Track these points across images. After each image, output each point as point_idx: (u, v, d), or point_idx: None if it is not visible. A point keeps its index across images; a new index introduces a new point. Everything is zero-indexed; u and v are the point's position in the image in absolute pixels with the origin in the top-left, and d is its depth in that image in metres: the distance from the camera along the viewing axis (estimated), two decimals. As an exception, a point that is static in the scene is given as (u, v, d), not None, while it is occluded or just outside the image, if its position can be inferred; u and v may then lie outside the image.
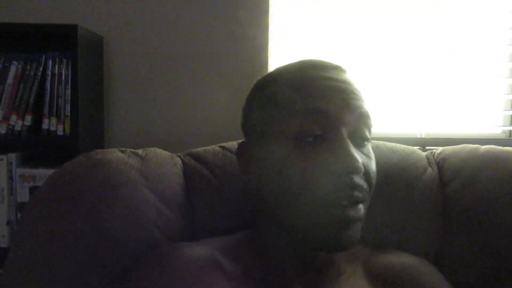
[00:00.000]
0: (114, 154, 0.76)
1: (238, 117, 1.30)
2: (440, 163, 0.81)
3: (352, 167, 0.51)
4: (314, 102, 0.55)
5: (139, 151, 0.79)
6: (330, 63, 0.62)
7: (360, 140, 0.56)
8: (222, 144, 0.85)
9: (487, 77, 1.41)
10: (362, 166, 0.53)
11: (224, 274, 0.58)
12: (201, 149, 0.84)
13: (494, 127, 1.43)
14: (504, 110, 1.43)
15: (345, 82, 0.58)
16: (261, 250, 0.62)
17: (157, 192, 0.73)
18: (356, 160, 0.51)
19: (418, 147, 0.86)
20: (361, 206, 0.54)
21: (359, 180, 0.53)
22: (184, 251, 0.61)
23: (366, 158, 0.56)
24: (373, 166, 0.57)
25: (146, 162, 0.76)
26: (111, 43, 1.24)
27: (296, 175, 0.53)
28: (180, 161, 0.80)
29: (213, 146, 0.85)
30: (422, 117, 1.37)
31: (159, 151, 0.81)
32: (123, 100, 1.26)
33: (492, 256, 0.69)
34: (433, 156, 0.84)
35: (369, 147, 0.58)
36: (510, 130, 1.44)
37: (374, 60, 1.37)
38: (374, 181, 0.57)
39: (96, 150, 0.78)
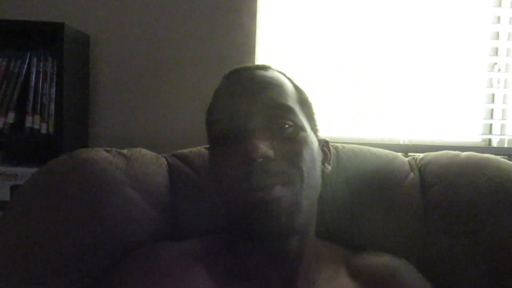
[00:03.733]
0: (99, 153, 0.76)
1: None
2: (422, 169, 0.83)
3: (253, 155, 0.54)
4: (223, 108, 0.61)
5: (125, 151, 0.78)
6: (245, 66, 0.67)
7: (278, 128, 0.58)
8: (208, 145, 0.85)
9: (468, 87, 1.44)
10: (266, 152, 0.55)
11: (207, 272, 0.59)
12: (186, 150, 0.85)
13: (474, 135, 1.47)
14: (484, 118, 1.47)
15: (255, 78, 0.63)
16: (240, 250, 0.63)
17: (142, 192, 0.73)
18: (256, 148, 0.54)
19: (400, 153, 0.88)
20: (278, 188, 0.55)
21: (272, 165, 0.56)
22: (168, 250, 0.62)
23: (290, 144, 0.58)
24: (303, 150, 0.58)
25: (131, 162, 0.76)
26: (98, 42, 1.23)
27: (220, 173, 0.59)
28: (165, 162, 0.80)
29: (198, 147, 0.85)
30: (405, 125, 1.40)
31: (145, 151, 0.81)
32: (109, 99, 1.25)
33: (472, 259, 0.71)
34: (415, 161, 0.85)
35: (300, 134, 0.60)
36: (490, 139, 1.48)
37: (358, 68, 1.39)
38: (304, 164, 0.58)
39: (81, 149, 0.77)
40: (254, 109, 0.58)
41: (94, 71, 1.24)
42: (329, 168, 0.68)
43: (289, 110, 0.60)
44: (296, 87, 0.66)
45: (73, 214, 0.67)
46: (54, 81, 1.06)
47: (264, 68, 0.66)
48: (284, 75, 0.67)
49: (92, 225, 0.67)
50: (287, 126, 0.59)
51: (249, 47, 1.28)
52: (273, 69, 0.67)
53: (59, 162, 0.74)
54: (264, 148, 0.55)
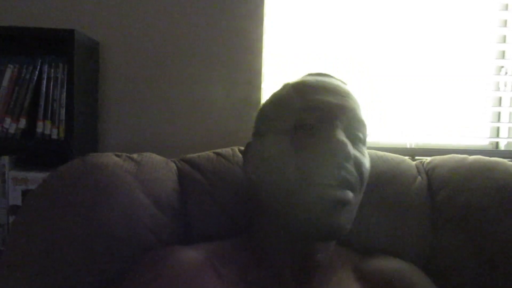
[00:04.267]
0: (110, 158, 0.77)
1: (233, 123, 1.31)
2: (430, 172, 0.83)
3: (339, 149, 0.56)
4: (311, 99, 0.61)
5: (134, 156, 0.79)
6: (331, 75, 0.70)
7: (352, 138, 0.60)
8: (217, 150, 0.86)
9: (476, 90, 1.45)
10: (350, 152, 0.57)
11: (219, 277, 0.59)
12: (195, 155, 0.85)
13: (481, 139, 1.46)
14: (491, 122, 1.47)
15: (340, 87, 0.65)
16: (257, 254, 0.64)
17: (152, 196, 0.73)
18: (345, 144, 0.56)
19: (407, 157, 0.88)
20: (350, 192, 0.57)
21: (348, 165, 0.57)
22: (179, 254, 0.62)
23: (359, 154, 0.60)
24: (366, 162, 0.61)
25: (141, 167, 0.77)
26: (107, 48, 1.25)
27: (291, 163, 0.57)
28: (175, 166, 0.81)
29: (207, 152, 0.86)
30: (411, 128, 1.40)
31: (154, 156, 0.82)
32: (118, 105, 1.26)
33: (480, 263, 0.71)
34: (423, 165, 0.86)
35: (363, 148, 0.63)
36: (497, 142, 1.47)
37: (361, 69, 1.39)
38: (365, 176, 0.60)
39: (91, 154, 0.78)
40: (343, 113, 0.60)
41: (103, 77, 1.25)
42: None
43: (364, 126, 0.63)
44: None
45: (84, 218, 0.68)
46: (65, 87, 1.07)
47: (343, 82, 0.69)
48: None
49: (103, 229, 0.68)
50: (359, 137, 0.62)
51: (256, 53, 1.29)
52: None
53: (70, 167, 0.75)
54: (350, 146, 0.57)
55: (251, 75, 1.29)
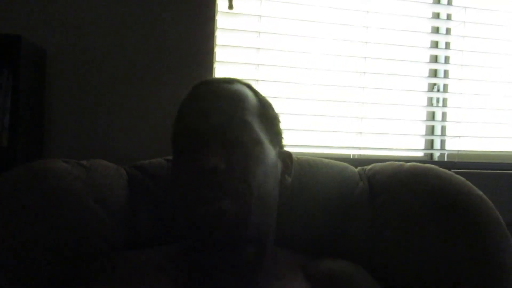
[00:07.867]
0: (57, 163, 0.76)
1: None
2: (370, 178, 0.88)
3: (199, 165, 0.57)
4: (185, 122, 0.64)
5: (84, 162, 0.79)
6: (211, 79, 0.74)
7: (233, 141, 0.60)
8: (168, 157, 0.87)
9: (410, 106, 1.55)
10: (214, 163, 0.57)
11: (171, 280, 0.61)
12: (146, 161, 0.86)
13: (417, 151, 1.57)
14: (425, 135, 1.58)
15: (217, 92, 0.65)
16: (197, 259, 0.66)
17: (102, 202, 0.73)
18: (205, 159, 0.57)
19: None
20: (225, 202, 0.57)
21: (222, 177, 0.57)
22: (131, 258, 0.63)
23: (242, 157, 0.60)
24: (252, 165, 0.60)
25: (91, 173, 0.76)
26: (55, 56, 1.21)
27: (175, 183, 0.64)
28: (125, 173, 0.81)
29: (158, 159, 0.87)
30: (355, 141, 1.47)
31: (104, 162, 0.82)
32: (66, 113, 1.22)
33: (415, 260, 0.76)
34: (364, 172, 0.92)
35: (252, 147, 0.61)
36: (431, 153, 1.59)
37: (312, 84, 1.45)
38: (251, 179, 0.59)
39: (38, 160, 0.77)
40: (211, 122, 0.61)
41: (50, 84, 1.22)
42: (289, 179, 0.70)
43: (245, 124, 0.62)
44: (261, 101, 0.69)
45: (30, 225, 0.67)
46: (9, 94, 1.04)
47: (230, 81, 0.68)
48: (251, 88, 0.70)
49: (49, 235, 0.67)
50: (241, 139, 0.61)
51: (206, 60, 1.30)
52: (239, 82, 0.69)
53: (15, 173, 0.73)
54: (215, 160, 0.57)
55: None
